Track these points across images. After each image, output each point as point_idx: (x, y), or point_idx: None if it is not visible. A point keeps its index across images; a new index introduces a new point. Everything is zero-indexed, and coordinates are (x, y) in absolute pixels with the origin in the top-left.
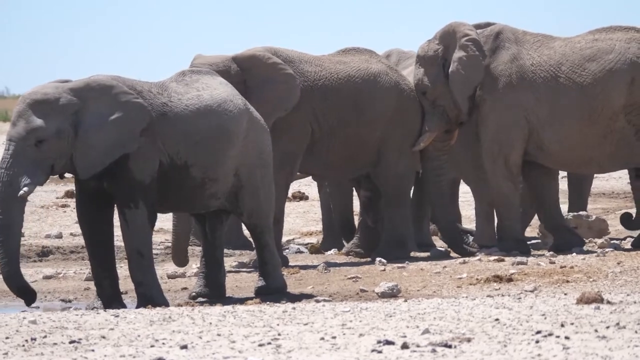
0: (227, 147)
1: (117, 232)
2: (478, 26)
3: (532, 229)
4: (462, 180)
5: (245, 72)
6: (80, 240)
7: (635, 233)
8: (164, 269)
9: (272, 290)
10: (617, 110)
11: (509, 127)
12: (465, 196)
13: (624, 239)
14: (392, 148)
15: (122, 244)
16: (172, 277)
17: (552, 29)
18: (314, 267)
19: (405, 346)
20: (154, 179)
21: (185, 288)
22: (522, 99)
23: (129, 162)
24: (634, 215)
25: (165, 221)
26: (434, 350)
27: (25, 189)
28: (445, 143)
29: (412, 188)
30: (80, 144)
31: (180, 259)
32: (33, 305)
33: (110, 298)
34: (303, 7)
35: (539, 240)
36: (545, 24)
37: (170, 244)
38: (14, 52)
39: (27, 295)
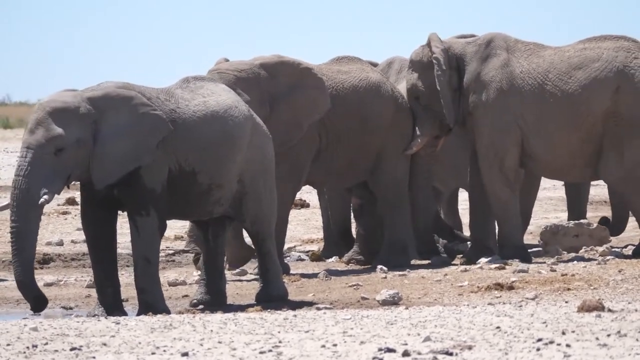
0: (233, 153)
1: (119, 239)
2: (463, 36)
3: (534, 237)
4: (460, 188)
5: (275, 78)
6: (81, 248)
7: (636, 240)
8: (165, 276)
9: (273, 298)
10: (599, 118)
11: (501, 132)
12: (466, 204)
13: (625, 246)
14: (390, 154)
15: (123, 251)
16: (173, 284)
17: (548, 35)
18: (315, 274)
19: (406, 354)
20: (164, 186)
21: (186, 295)
22: (512, 105)
23: (141, 170)
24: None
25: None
26: (435, 358)
27: (46, 197)
28: (432, 149)
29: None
30: (97, 154)
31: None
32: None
33: (112, 305)
34: (300, 10)
35: (540, 248)
36: (541, 30)
37: (170, 252)
38: (15, 59)
39: (40, 303)
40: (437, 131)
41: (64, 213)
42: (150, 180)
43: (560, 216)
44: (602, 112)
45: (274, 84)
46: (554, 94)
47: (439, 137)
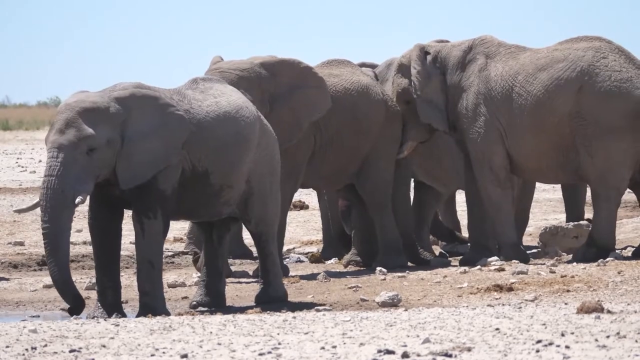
0: (245, 154)
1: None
2: (440, 42)
3: (533, 238)
4: (458, 190)
5: (276, 77)
6: (80, 249)
7: (635, 242)
8: (164, 278)
9: (273, 299)
10: (564, 118)
11: (484, 134)
12: (465, 205)
13: (625, 248)
14: (379, 156)
15: (123, 253)
16: (172, 286)
17: (548, 37)
18: (315, 276)
19: (405, 355)
20: (175, 188)
21: (186, 297)
22: (489, 108)
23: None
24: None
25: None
26: None
27: (81, 197)
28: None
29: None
30: (125, 154)
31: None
32: (33, 314)
33: (112, 307)
34: (298, 11)
35: (539, 250)
36: (539, 32)
37: (169, 253)
38: (14, 61)
39: (78, 304)
40: (427, 135)
41: None
42: (163, 181)
43: (560, 217)
44: (566, 113)
45: (275, 83)
46: (521, 95)
47: (424, 141)
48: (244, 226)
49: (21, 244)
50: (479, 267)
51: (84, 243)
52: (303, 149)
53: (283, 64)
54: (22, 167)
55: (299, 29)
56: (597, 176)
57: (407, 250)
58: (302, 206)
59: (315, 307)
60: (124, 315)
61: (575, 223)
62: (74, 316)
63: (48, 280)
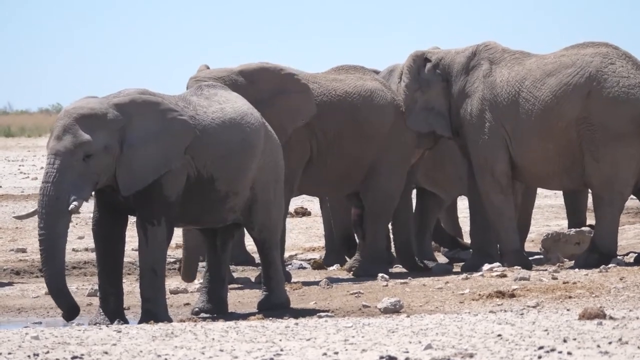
0: (250, 160)
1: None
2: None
3: (535, 244)
4: (460, 197)
5: (255, 84)
6: (82, 256)
7: (637, 248)
8: (166, 284)
9: (275, 306)
10: (571, 124)
11: (488, 140)
12: (467, 211)
13: (627, 254)
14: (386, 165)
15: (125, 259)
16: (174, 292)
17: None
18: (317, 282)
19: None
20: (179, 195)
21: (188, 304)
22: (494, 113)
23: (161, 177)
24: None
25: None
26: None
27: (75, 203)
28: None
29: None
30: (125, 160)
31: (190, 274)
32: (35, 321)
33: (114, 313)
34: (294, 21)
35: (542, 256)
36: (540, 36)
37: (171, 260)
38: (16, 68)
39: (72, 311)
40: (433, 142)
41: None
42: (168, 187)
43: (562, 224)
44: (574, 118)
45: (255, 90)
46: (528, 100)
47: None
48: (246, 232)
49: (23, 250)
50: (481, 273)
51: (86, 250)
52: (297, 154)
53: (262, 71)
54: (24, 173)
55: (299, 30)
56: (602, 181)
57: (405, 257)
58: (305, 213)
59: (318, 314)
60: (126, 321)
61: (577, 229)
62: (71, 321)
63: None
